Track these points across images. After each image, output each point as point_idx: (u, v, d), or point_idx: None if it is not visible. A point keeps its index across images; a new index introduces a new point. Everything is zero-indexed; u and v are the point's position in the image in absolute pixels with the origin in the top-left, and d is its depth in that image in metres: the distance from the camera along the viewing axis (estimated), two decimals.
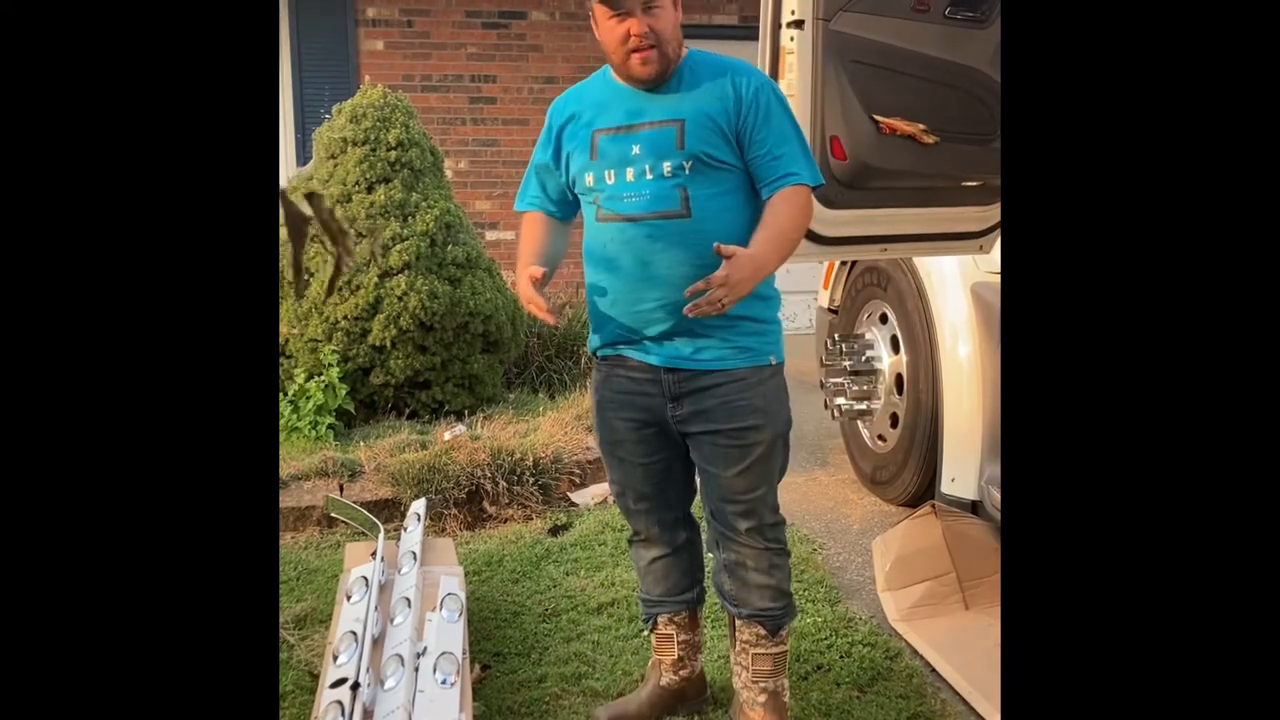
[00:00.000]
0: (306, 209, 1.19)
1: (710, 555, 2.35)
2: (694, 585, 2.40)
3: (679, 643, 2.41)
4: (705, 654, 2.70)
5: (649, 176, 2.07)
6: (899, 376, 3.80)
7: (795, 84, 2.63)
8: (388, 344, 4.57)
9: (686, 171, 2.06)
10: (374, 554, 2.68)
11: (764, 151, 2.07)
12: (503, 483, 3.83)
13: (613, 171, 2.09)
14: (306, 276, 4.43)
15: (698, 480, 2.29)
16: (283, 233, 1.18)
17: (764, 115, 2.07)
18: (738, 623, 2.26)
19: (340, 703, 1.95)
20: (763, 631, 2.23)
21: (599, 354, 2.25)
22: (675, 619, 2.40)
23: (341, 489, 3.83)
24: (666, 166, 2.06)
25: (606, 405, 2.25)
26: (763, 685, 2.25)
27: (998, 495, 3.08)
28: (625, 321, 2.13)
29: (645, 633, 2.55)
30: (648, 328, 2.12)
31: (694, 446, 2.20)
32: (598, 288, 2.15)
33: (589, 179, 2.12)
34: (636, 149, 2.08)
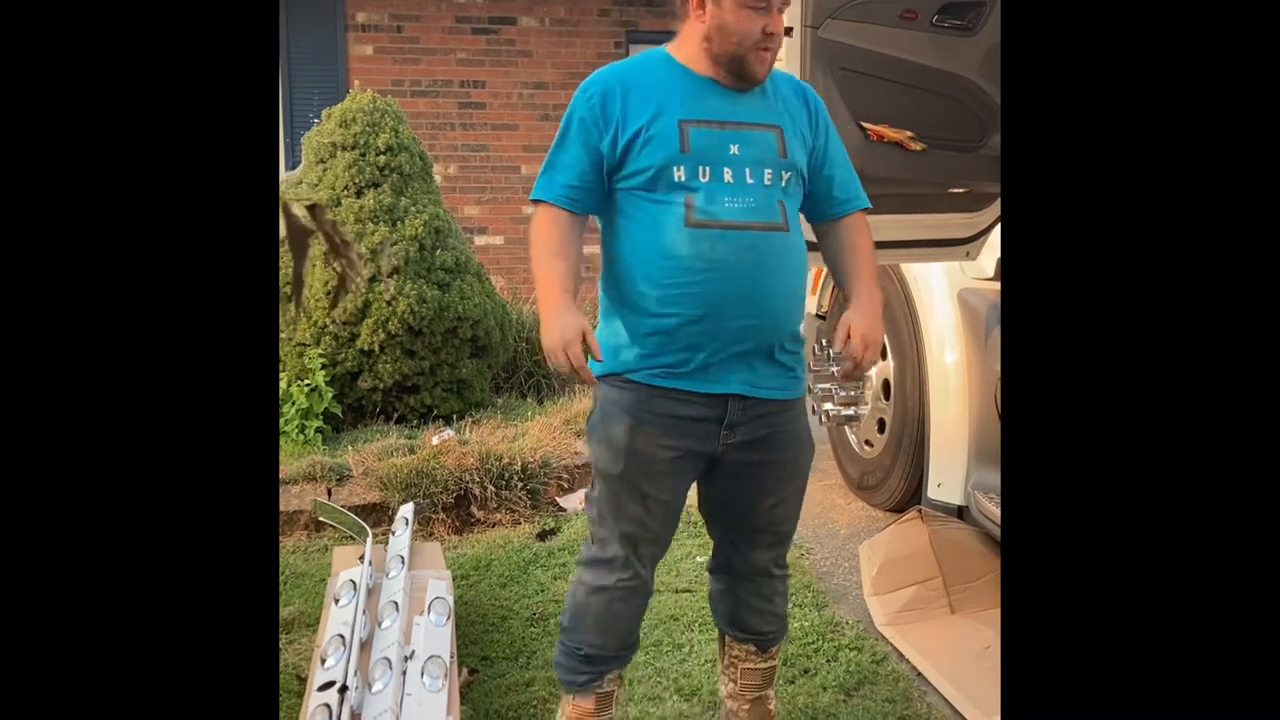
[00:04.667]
0: (309, 221, 1.19)
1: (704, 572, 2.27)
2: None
3: (615, 700, 2.14)
4: (694, 656, 2.71)
5: (749, 181, 1.90)
6: (886, 382, 3.81)
7: None
8: (376, 348, 4.56)
9: (784, 184, 1.94)
10: (362, 558, 2.68)
11: (833, 172, 2.05)
12: (491, 487, 3.83)
13: (708, 169, 1.89)
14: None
15: (701, 510, 2.16)
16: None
17: (832, 135, 2.06)
18: (728, 639, 2.21)
19: (328, 705, 1.95)
20: (754, 649, 2.19)
21: (634, 378, 1.94)
22: (622, 674, 2.16)
23: (329, 493, 3.83)
24: (768, 174, 1.92)
25: (643, 430, 1.93)
26: (749, 695, 2.22)
27: (984, 500, 3.09)
28: (699, 342, 1.90)
29: (571, 698, 2.10)
30: (728, 349, 1.91)
31: (731, 476, 2.02)
32: (666, 301, 1.89)
33: (679, 173, 1.88)
34: (735, 149, 1.91)
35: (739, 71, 1.92)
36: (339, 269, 1.21)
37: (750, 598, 2.15)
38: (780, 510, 2.08)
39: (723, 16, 1.88)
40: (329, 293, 4.47)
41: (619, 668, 2.11)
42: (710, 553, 2.24)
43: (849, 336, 1.96)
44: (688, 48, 1.96)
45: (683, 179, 1.88)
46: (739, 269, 1.88)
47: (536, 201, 1.97)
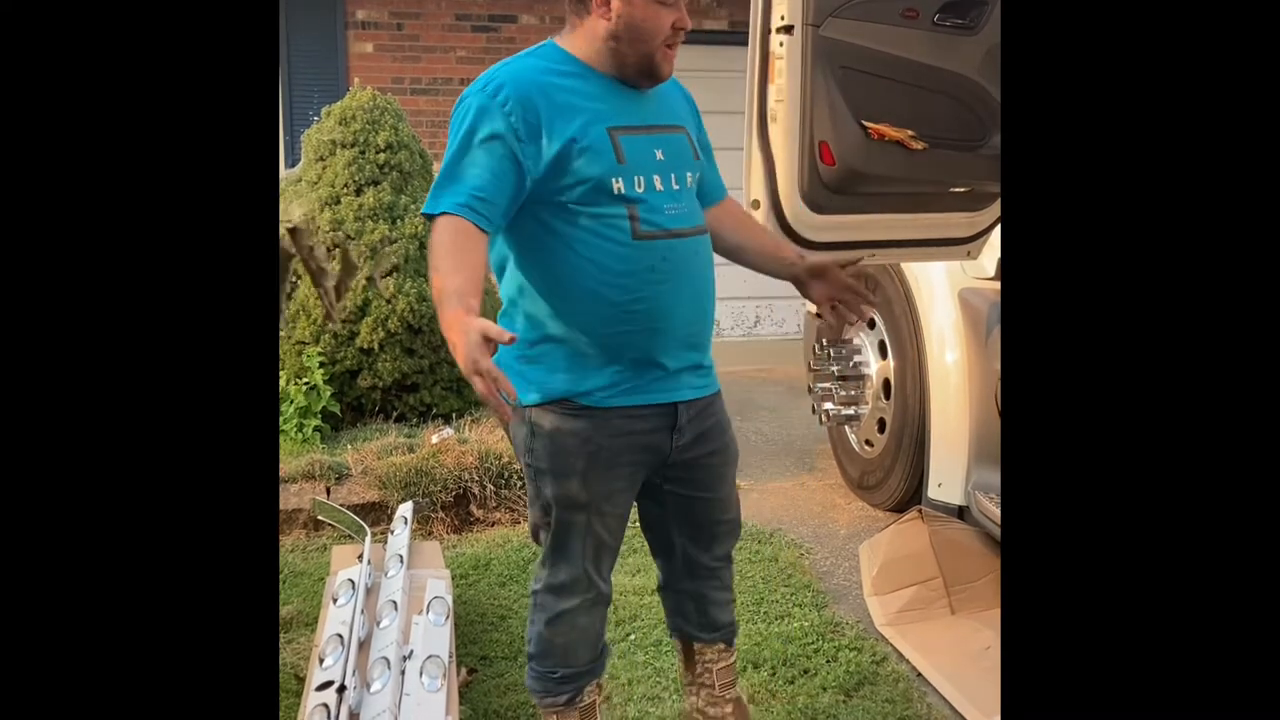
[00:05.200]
0: (290, 246, 1.18)
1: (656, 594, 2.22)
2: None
3: (598, 708, 2.12)
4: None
5: (676, 187, 1.86)
6: (886, 382, 3.81)
7: (784, 89, 2.64)
8: (375, 347, 4.56)
9: (694, 183, 1.93)
10: (360, 557, 2.68)
11: (711, 161, 2.05)
12: (490, 486, 3.82)
13: (643, 179, 1.82)
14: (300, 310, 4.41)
15: (651, 528, 2.12)
16: None
17: (703, 127, 2.05)
18: (697, 645, 2.14)
19: (326, 705, 1.94)
20: (724, 646, 2.15)
21: (586, 402, 1.86)
22: (600, 682, 2.12)
23: (328, 492, 3.82)
24: (689, 177, 1.90)
25: (602, 454, 1.87)
26: (728, 695, 2.18)
27: (984, 500, 3.09)
28: (655, 354, 1.86)
29: (561, 704, 2.04)
30: (680, 356, 1.90)
31: (683, 477, 1.99)
32: (619, 319, 1.82)
33: (617, 185, 1.79)
34: (660, 154, 1.86)
35: (647, 71, 1.84)
36: (321, 300, 1.21)
37: (715, 592, 2.12)
38: (731, 494, 2.08)
39: (632, 14, 1.78)
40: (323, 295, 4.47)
41: (595, 678, 2.08)
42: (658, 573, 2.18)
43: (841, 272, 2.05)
44: (589, 45, 1.84)
45: (621, 190, 1.80)
46: (686, 275, 1.86)
47: (431, 217, 1.75)
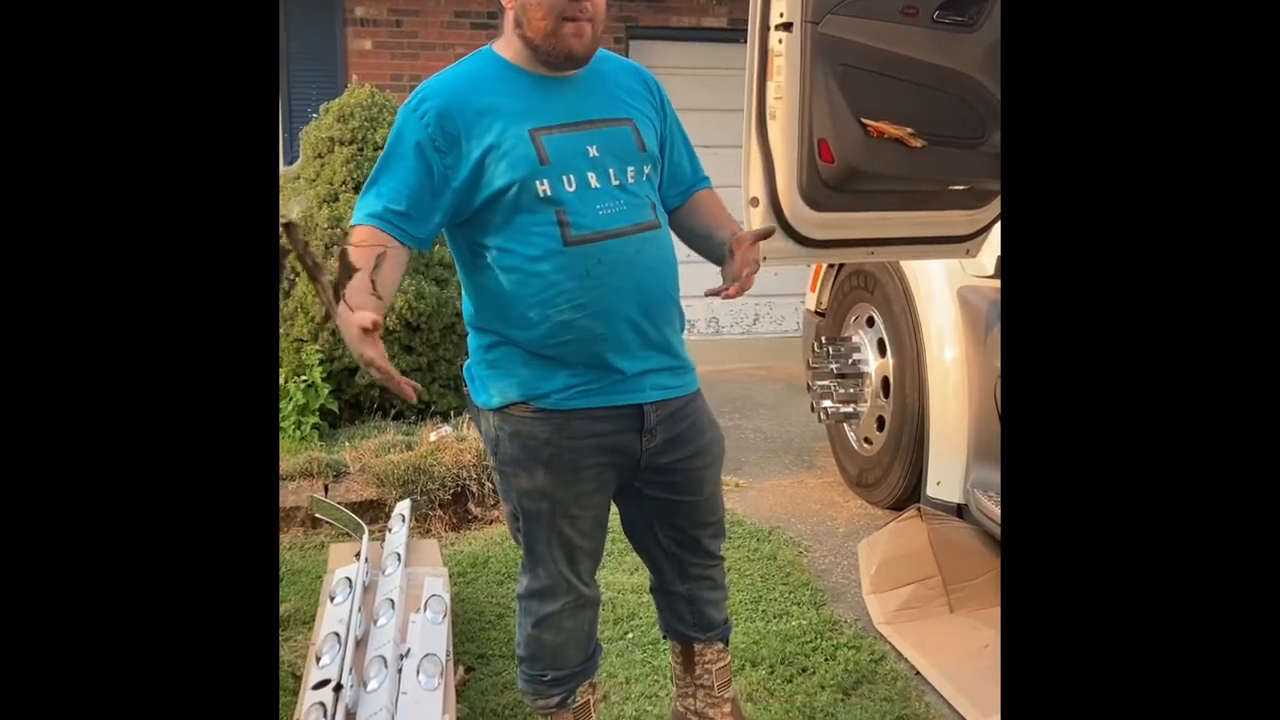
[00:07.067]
0: (284, 240, 1.17)
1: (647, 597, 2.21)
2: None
3: (592, 707, 2.12)
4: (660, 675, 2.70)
5: (615, 183, 1.81)
6: (885, 380, 3.80)
7: (784, 87, 2.63)
8: None
9: (645, 177, 1.87)
10: (358, 555, 2.67)
11: (682, 156, 2.02)
12: (488, 484, 3.82)
13: (573, 178, 1.77)
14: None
15: (637, 531, 2.09)
16: None
17: (675, 118, 2.01)
18: (697, 646, 2.13)
19: (323, 704, 1.94)
20: (722, 645, 2.14)
21: (544, 405, 1.84)
22: (593, 681, 2.11)
23: (326, 489, 3.82)
24: (630, 172, 1.83)
25: (565, 457, 1.85)
26: (726, 694, 2.17)
27: (983, 499, 3.09)
28: (603, 357, 1.83)
29: (554, 706, 2.05)
30: (630, 361, 1.85)
31: (663, 479, 1.96)
32: (560, 328, 1.80)
33: (542, 188, 1.75)
34: (594, 150, 1.79)
35: (554, 50, 1.76)
36: (318, 297, 1.20)
37: (707, 592, 2.10)
38: (716, 494, 2.05)
39: None
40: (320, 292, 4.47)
41: (587, 678, 2.06)
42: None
43: (746, 244, 1.87)
44: (511, 42, 1.82)
45: (548, 193, 1.76)
46: (628, 278, 1.80)
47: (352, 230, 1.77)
